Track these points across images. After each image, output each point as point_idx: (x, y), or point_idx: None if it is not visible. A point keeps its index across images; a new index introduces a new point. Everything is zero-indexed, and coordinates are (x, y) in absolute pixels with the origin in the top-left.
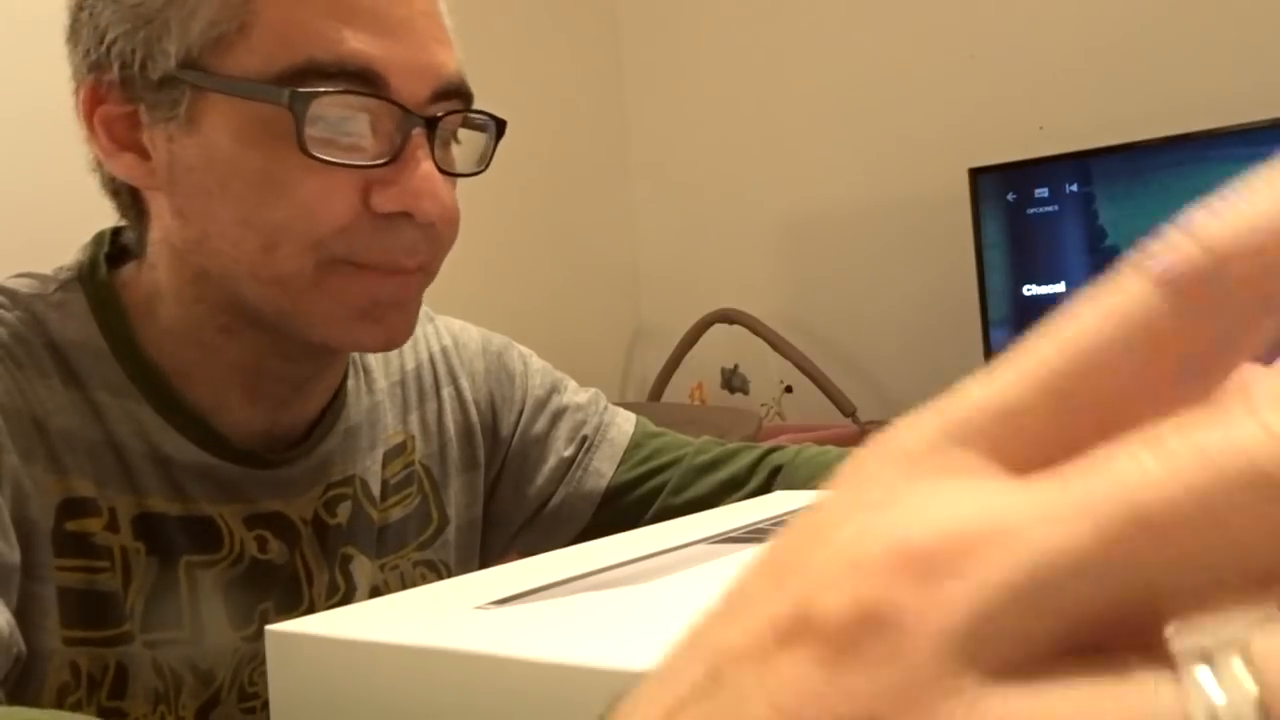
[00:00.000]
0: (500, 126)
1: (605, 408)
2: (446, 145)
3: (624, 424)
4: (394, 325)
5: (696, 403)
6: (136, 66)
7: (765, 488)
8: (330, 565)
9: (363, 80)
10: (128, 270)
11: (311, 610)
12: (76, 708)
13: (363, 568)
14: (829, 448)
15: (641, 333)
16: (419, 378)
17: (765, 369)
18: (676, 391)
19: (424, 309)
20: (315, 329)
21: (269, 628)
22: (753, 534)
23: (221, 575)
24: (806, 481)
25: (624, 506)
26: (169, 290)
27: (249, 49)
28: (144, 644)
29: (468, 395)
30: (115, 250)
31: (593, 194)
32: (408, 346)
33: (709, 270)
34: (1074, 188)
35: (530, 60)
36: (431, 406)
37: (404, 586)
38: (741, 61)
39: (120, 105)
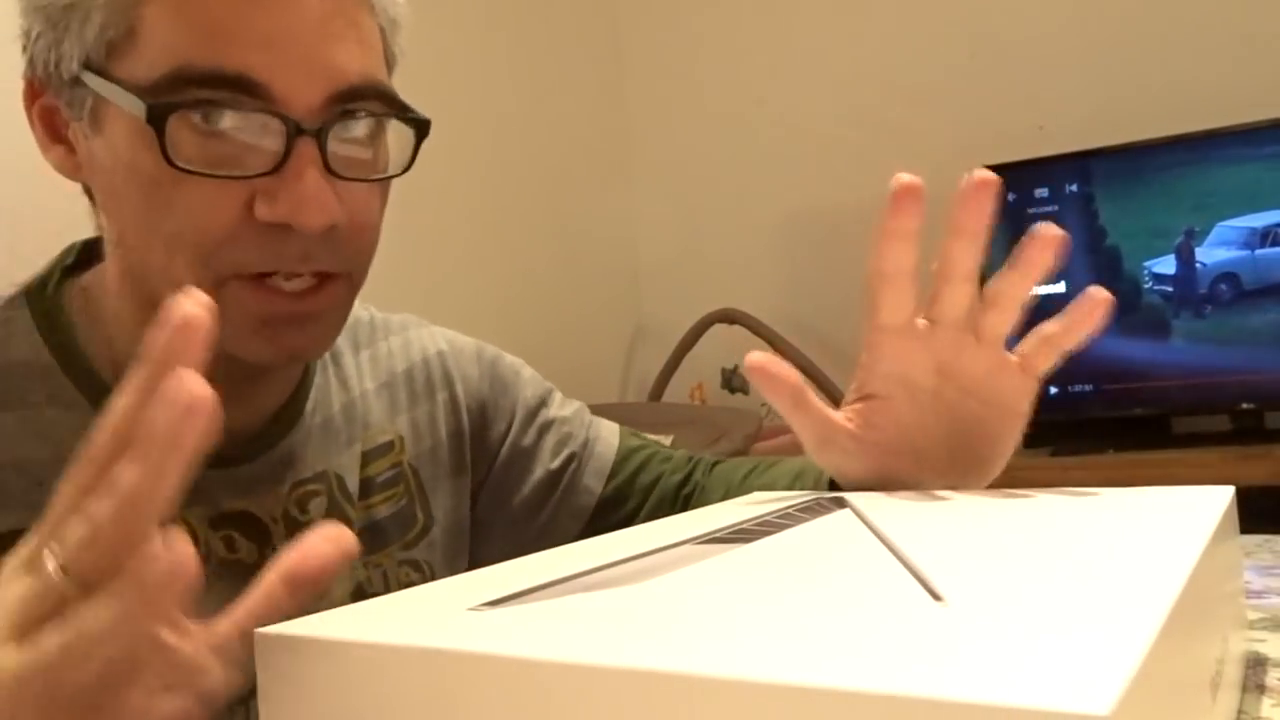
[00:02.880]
0: (421, 127)
1: (590, 422)
2: (367, 143)
3: (609, 438)
4: (292, 341)
5: (696, 403)
6: (53, 65)
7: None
8: None
9: (241, 87)
10: (89, 273)
11: None
12: None
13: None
14: (743, 461)
15: (641, 332)
16: (410, 380)
17: None
18: (676, 391)
19: (412, 317)
20: (221, 342)
21: (257, 631)
22: (737, 534)
23: None
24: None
25: (610, 523)
26: (111, 282)
27: (137, 55)
28: None
29: (461, 400)
30: (88, 257)
31: (593, 194)
32: (398, 349)
33: (709, 270)
34: (1074, 188)
35: (530, 60)
36: (424, 409)
37: (387, 585)
38: (741, 61)
39: (52, 99)
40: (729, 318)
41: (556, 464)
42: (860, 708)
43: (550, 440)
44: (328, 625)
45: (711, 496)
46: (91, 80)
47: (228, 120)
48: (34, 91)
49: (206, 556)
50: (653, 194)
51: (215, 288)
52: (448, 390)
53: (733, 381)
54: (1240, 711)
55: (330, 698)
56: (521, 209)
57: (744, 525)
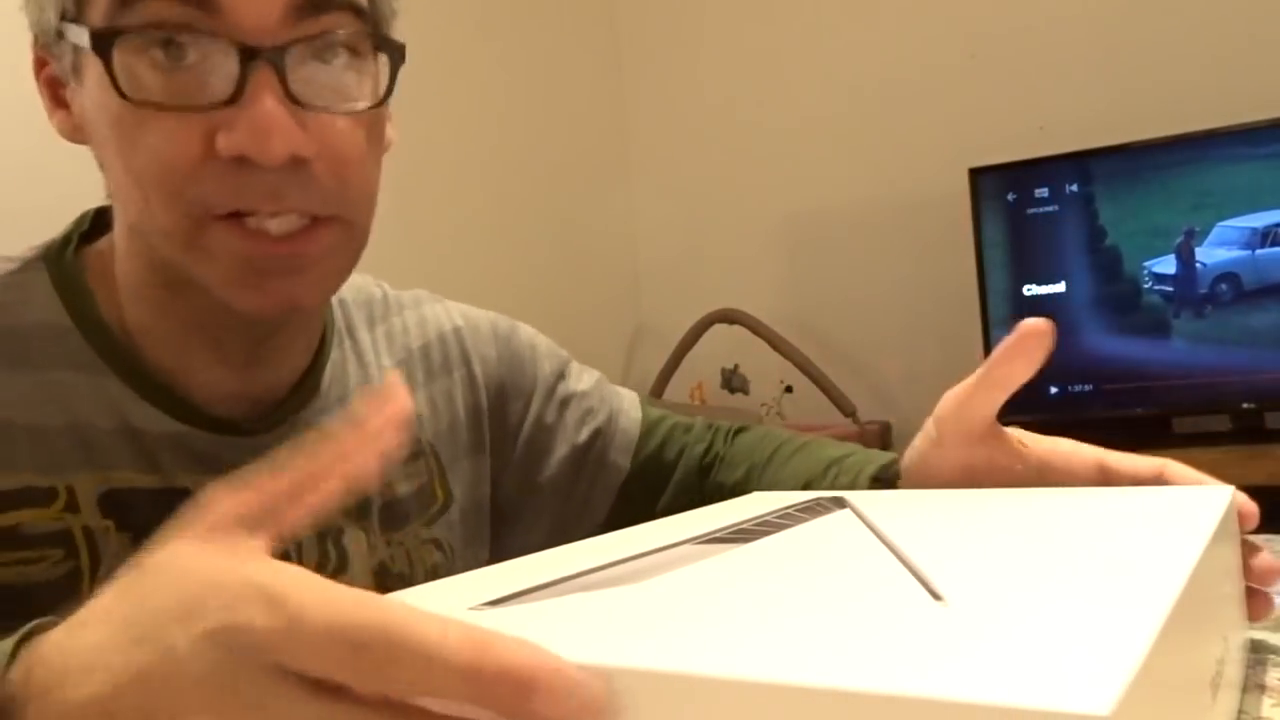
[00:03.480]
0: (395, 53)
1: (610, 394)
2: (341, 71)
3: (631, 410)
4: (279, 291)
5: (696, 402)
6: (43, 24)
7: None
8: (320, 538)
9: (193, 4)
10: (104, 238)
11: None
12: None
13: (357, 541)
14: (768, 433)
15: (641, 332)
16: (427, 356)
17: (765, 369)
18: (676, 391)
19: (424, 292)
20: (211, 289)
21: None
22: (737, 534)
23: None
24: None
25: (637, 497)
26: (119, 242)
27: None
28: None
29: (479, 378)
30: (102, 224)
31: (593, 194)
32: (414, 325)
33: (709, 270)
34: (1074, 188)
35: (530, 60)
36: (441, 385)
37: (409, 563)
38: (741, 61)
39: (51, 65)
40: (729, 318)
41: (582, 439)
42: (860, 708)
43: (572, 415)
44: None
45: (733, 469)
46: (68, 30)
47: (179, 47)
48: (40, 61)
49: None
50: (653, 194)
51: (194, 229)
52: (465, 368)
53: (733, 381)
54: (1240, 711)
55: None
56: (521, 209)
57: (744, 525)
